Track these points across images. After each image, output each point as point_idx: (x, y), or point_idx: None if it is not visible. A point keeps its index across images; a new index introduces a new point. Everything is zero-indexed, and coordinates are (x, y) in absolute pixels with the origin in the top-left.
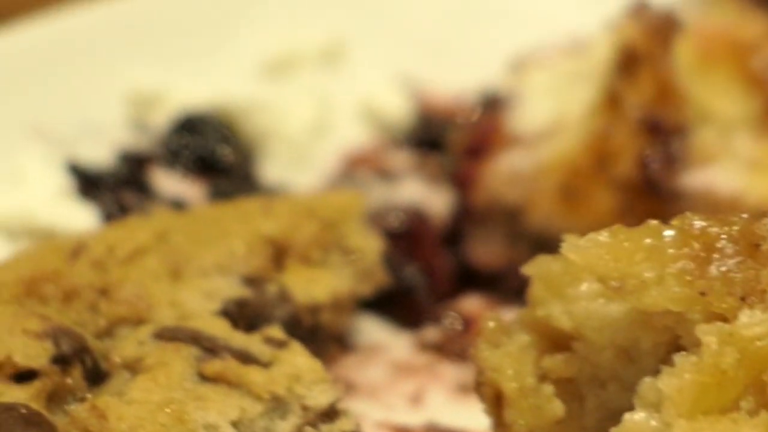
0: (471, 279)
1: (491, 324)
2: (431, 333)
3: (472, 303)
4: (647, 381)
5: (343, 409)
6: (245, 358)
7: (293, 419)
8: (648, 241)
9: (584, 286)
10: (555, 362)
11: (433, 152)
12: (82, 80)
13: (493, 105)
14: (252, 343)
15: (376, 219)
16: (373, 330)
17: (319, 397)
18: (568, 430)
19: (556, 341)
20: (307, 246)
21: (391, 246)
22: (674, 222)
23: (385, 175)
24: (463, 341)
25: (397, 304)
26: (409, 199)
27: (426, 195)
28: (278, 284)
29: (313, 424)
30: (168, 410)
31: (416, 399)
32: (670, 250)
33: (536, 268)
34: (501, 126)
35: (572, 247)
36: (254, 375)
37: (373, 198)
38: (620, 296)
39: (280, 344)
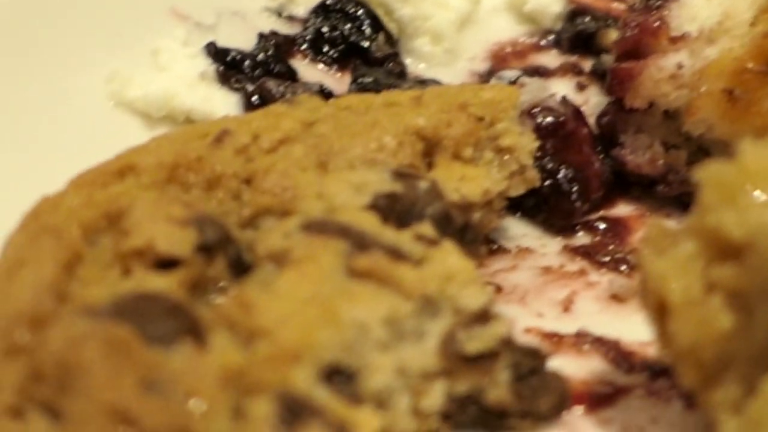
0: (625, 184)
1: (656, 230)
2: (583, 238)
3: (625, 209)
4: None
5: (495, 312)
6: (396, 254)
7: (444, 321)
8: None
9: (759, 194)
10: (724, 273)
11: (585, 51)
12: None
13: (655, 3)
14: (402, 239)
15: (528, 116)
16: (522, 233)
17: (472, 300)
18: (734, 343)
19: (725, 251)
20: (458, 142)
21: (544, 145)
22: None
23: (536, 72)
24: (616, 248)
25: (548, 207)
26: (561, 98)
27: (579, 95)
28: (429, 180)
29: (465, 327)
30: (317, 305)
31: (567, 306)
32: None
33: (708, 174)
34: (663, 25)
35: (749, 152)
36: (405, 273)
37: (525, 94)
38: None
39: (431, 242)
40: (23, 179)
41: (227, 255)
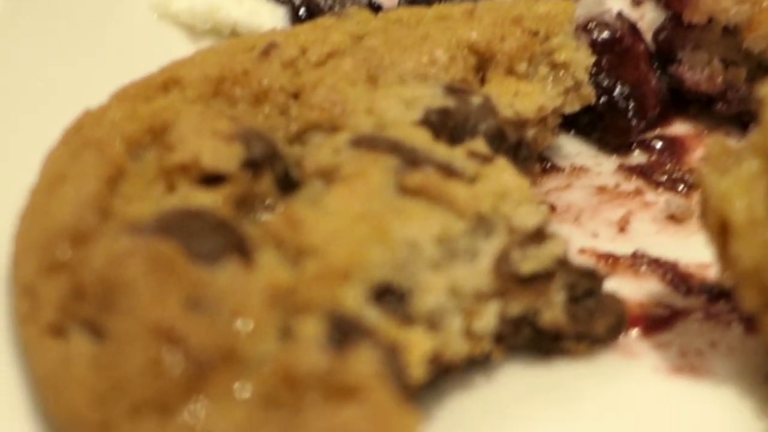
0: (682, 102)
1: (717, 148)
2: (638, 157)
3: (682, 127)
4: None
5: (551, 232)
6: (448, 171)
7: (498, 240)
8: None
9: None
10: None
11: None
12: None
13: None
14: (455, 156)
15: (584, 31)
16: (576, 151)
17: (527, 218)
18: None
19: None
20: (512, 56)
21: (599, 62)
22: None
23: None
24: (673, 168)
25: (603, 124)
26: (617, 13)
27: (634, 10)
28: (482, 95)
29: (519, 247)
30: (367, 223)
31: (623, 226)
32: None
33: None
34: None
35: None
36: (457, 190)
37: (580, 9)
38: None
39: (484, 159)
40: (65, 92)
41: (274, 171)
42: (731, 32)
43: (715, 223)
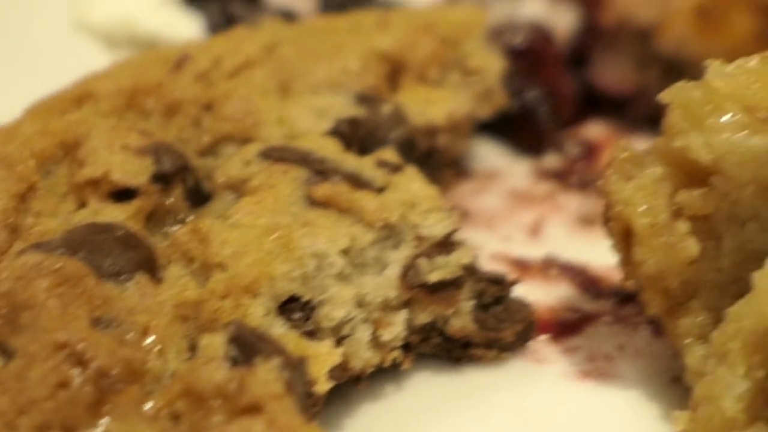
0: (596, 104)
1: (622, 153)
2: (552, 160)
3: (596, 130)
4: None
5: (459, 240)
6: (357, 181)
7: (406, 250)
8: None
9: (727, 117)
10: (691, 198)
11: None
12: None
13: None
14: (364, 166)
15: (496, 37)
16: (490, 155)
17: (435, 227)
18: (701, 271)
19: (692, 175)
20: (424, 63)
21: (512, 66)
22: None
23: None
24: (586, 170)
25: (516, 129)
26: (532, 16)
27: (550, 12)
28: (393, 104)
29: (427, 256)
30: (274, 236)
31: (535, 230)
32: None
33: (675, 95)
34: None
35: (717, 73)
36: (366, 200)
37: (494, 15)
38: (767, 128)
39: (394, 168)
40: None
41: (185, 184)
42: (643, 35)
43: (619, 228)
